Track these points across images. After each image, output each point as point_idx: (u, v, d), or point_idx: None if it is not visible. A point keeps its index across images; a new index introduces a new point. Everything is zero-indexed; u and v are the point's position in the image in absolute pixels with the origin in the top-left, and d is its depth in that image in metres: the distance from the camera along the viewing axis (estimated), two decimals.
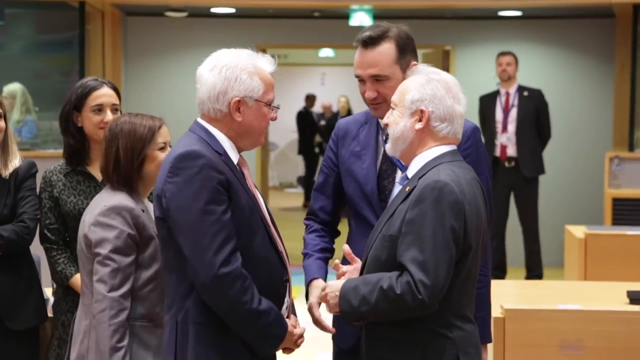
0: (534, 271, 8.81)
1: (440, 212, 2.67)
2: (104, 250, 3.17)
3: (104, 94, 3.77)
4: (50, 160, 4.00)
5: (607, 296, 4.33)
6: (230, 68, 2.90)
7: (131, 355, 3.13)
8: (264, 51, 9.31)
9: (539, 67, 10.32)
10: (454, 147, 2.86)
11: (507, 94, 8.80)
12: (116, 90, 3.84)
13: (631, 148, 9.14)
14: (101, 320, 3.11)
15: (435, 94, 2.82)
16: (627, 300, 4.15)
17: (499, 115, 8.78)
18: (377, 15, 9.96)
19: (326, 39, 11.20)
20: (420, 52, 3.26)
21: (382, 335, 2.78)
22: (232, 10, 10.21)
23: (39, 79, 9.32)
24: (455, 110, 2.83)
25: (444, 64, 10.56)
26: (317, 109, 17.57)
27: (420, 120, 2.82)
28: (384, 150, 3.13)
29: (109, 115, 3.74)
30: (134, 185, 3.27)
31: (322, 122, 16.78)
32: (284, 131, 18.33)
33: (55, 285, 3.78)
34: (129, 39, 10.56)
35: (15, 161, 3.81)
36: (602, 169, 9.33)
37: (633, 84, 9.21)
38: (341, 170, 3.32)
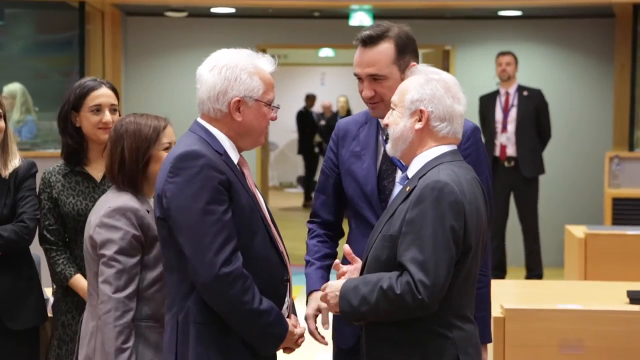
0: (534, 271, 8.81)
1: (440, 212, 2.67)
2: (108, 251, 3.17)
3: (103, 94, 3.77)
4: (50, 160, 4.00)
5: (607, 296, 4.33)
6: (230, 68, 2.90)
7: (137, 355, 3.13)
8: (263, 51, 9.30)
9: (538, 67, 10.32)
10: (454, 147, 2.86)
11: (507, 93, 8.80)
12: (114, 90, 3.84)
13: (631, 148, 9.14)
14: (106, 321, 3.12)
15: (435, 94, 2.82)
16: (627, 300, 4.14)
17: (498, 115, 8.78)
18: (377, 15, 9.96)
19: (326, 38, 11.20)
20: (420, 52, 3.25)
21: (382, 335, 2.78)
22: (232, 10, 10.21)
23: (39, 79, 9.32)
24: (454, 110, 2.83)
25: (444, 64, 10.56)
26: (317, 108, 17.57)
27: (420, 120, 2.82)
28: (384, 150, 3.13)
29: (107, 116, 3.74)
30: (139, 186, 3.27)
31: (322, 122, 16.78)
32: (283, 131, 18.33)
33: (55, 286, 3.78)
34: (128, 39, 10.57)
35: (15, 161, 3.81)
36: (602, 169, 9.34)
37: (633, 84, 9.21)
38: (341, 171, 3.32)
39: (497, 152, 8.69)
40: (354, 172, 3.27)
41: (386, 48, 3.15)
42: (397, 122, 2.85)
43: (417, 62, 3.16)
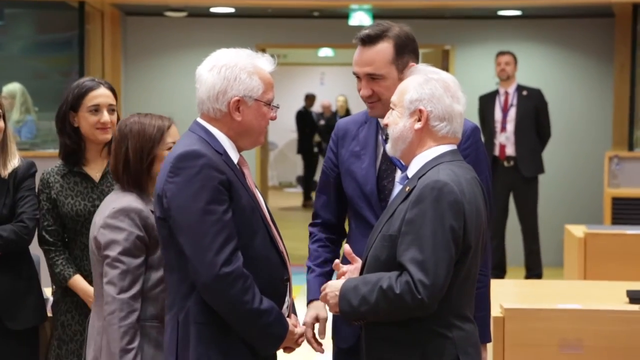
0: (533, 270, 8.81)
1: (440, 212, 2.66)
2: (112, 252, 3.17)
3: (101, 95, 3.77)
4: (50, 160, 4.00)
5: (607, 295, 4.33)
6: (229, 68, 2.90)
7: (142, 356, 3.13)
8: (263, 51, 9.27)
9: (538, 67, 10.32)
10: (453, 146, 2.86)
11: (506, 93, 8.80)
12: (113, 90, 3.83)
13: (631, 147, 9.14)
14: (111, 322, 3.12)
15: (434, 94, 2.81)
16: (627, 299, 4.14)
17: (497, 114, 8.78)
18: (377, 15, 9.96)
19: (325, 38, 11.20)
20: (419, 52, 3.25)
21: (382, 335, 2.78)
22: (231, 10, 10.21)
23: (39, 79, 9.33)
24: (454, 109, 2.83)
25: (444, 64, 10.56)
26: (316, 108, 17.57)
27: (419, 120, 2.82)
28: (384, 150, 3.13)
29: (105, 116, 3.74)
30: (144, 186, 3.26)
31: (321, 122, 16.78)
32: (283, 131, 18.32)
33: (54, 286, 3.78)
34: (128, 38, 10.56)
35: (15, 161, 3.81)
36: (601, 169, 9.34)
37: (632, 84, 9.21)
38: (341, 170, 3.32)
39: (497, 152, 8.69)
40: (354, 171, 3.27)
41: (384, 48, 3.15)
42: (396, 122, 2.85)
43: (417, 63, 3.15)
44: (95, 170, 3.78)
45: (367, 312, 2.71)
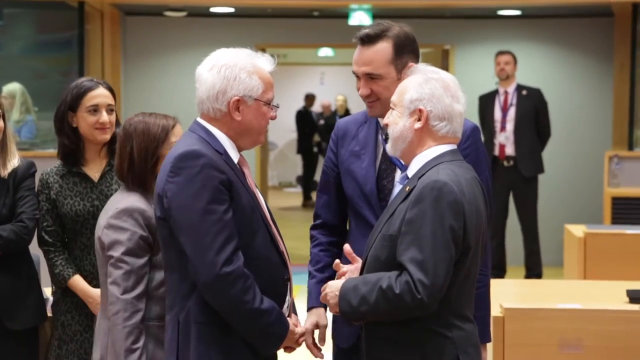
0: (533, 270, 8.81)
1: (440, 211, 2.66)
2: (116, 252, 3.17)
3: (100, 95, 3.77)
4: (50, 160, 4.00)
5: (607, 295, 4.33)
6: (229, 67, 2.90)
7: (148, 355, 3.13)
8: (263, 50, 9.27)
9: (538, 67, 10.32)
10: (453, 146, 2.86)
11: (506, 93, 8.80)
12: (111, 90, 3.83)
13: (630, 147, 9.14)
14: (116, 322, 3.12)
15: (434, 93, 2.81)
16: (627, 299, 4.14)
17: (497, 114, 8.78)
18: (377, 15, 9.96)
19: (325, 38, 11.20)
20: (419, 52, 3.26)
21: (382, 335, 2.78)
22: (231, 10, 10.21)
23: (38, 78, 9.33)
24: (454, 109, 2.83)
25: (443, 64, 10.56)
26: (316, 108, 17.57)
27: (419, 120, 2.82)
28: (384, 150, 3.13)
29: (104, 116, 3.74)
30: (148, 186, 3.26)
31: (321, 122, 16.78)
32: (283, 131, 18.32)
33: (54, 287, 3.79)
34: (128, 38, 10.56)
35: (14, 161, 3.81)
36: (601, 168, 9.34)
37: (632, 83, 9.21)
38: (341, 170, 3.32)
39: (496, 152, 8.69)
40: (353, 171, 3.27)
41: (383, 47, 3.15)
42: (396, 121, 2.85)
43: (417, 63, 3.15)
44: (94, 170, 3.78)
45: (366, 312, 2.71)
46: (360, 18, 9.79)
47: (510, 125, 8.69)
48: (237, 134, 2.95)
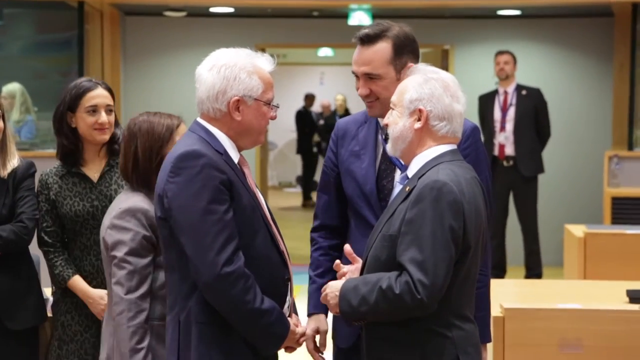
0: (533, 270, 8.81)
1: (439, 211, 2.66)
2: (119, 252, 3.18)
3: (99, 95, 3.77)
4: (49, 161, 4.00)
5: (607, 295, 4.33)
6: (229, 67, 2.90)
7: (153, 355, 3.13)
8: (263, 50, 9.28)
9: (538, 66, 10.32)
10: (453, 146, 2.86)
11: (506, 93, 8.80)
12: (110, 91, 3.83)
13: (630, 147, 9.14)
14: (120, 322, 3.12)
15: (433, 93, 2.81)
16: (627, 299, 4.14)
17: (497, 114, 8.78)
18: (376, 15, 9.96)
19: (325, 38, 11.20)
20: (419, 52, 3.26)
21: (382, 335, 2.78)
22: (231, 10, 10.21)
23: (38, 79, 9.33)
24: (454, 109, 2.83)
25: (443, 63, 10.56)
26: (316, 108, 17.57)
27: (419, 120, 2.82)
28: (383, 150, 3.13)
29: (103, 116, 3.74)
30: (153, 185, 3.25)
31: (321, 122, 16.77)
32: (283, 131, 18.32)
33: (54, 287, 3.79)
34: (127, 38, 10.56)
35: (14, 161, 3.81)
36: (601, 168, 9.34)
37: (632, 83, 9.20)
38: (341, 170, 3.32)
39: (496, 152, 8.69)
40: (353, 171, 3.26)
41: (383, 47, 3.15)
42: (396, 121, 2.85)
43: (417, 63, 3.14)
44: (93, 170, 3.78)
45: (367, 312, 2.71)
46: (360, 18, 9.79)
47: (510, 125, 8.69)
48: (237, 134, 2.94)
